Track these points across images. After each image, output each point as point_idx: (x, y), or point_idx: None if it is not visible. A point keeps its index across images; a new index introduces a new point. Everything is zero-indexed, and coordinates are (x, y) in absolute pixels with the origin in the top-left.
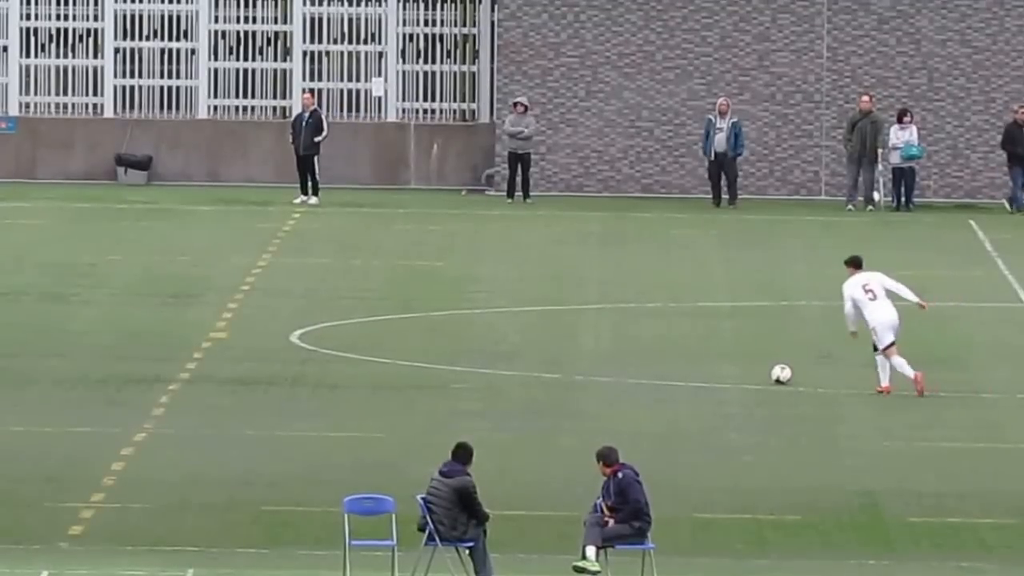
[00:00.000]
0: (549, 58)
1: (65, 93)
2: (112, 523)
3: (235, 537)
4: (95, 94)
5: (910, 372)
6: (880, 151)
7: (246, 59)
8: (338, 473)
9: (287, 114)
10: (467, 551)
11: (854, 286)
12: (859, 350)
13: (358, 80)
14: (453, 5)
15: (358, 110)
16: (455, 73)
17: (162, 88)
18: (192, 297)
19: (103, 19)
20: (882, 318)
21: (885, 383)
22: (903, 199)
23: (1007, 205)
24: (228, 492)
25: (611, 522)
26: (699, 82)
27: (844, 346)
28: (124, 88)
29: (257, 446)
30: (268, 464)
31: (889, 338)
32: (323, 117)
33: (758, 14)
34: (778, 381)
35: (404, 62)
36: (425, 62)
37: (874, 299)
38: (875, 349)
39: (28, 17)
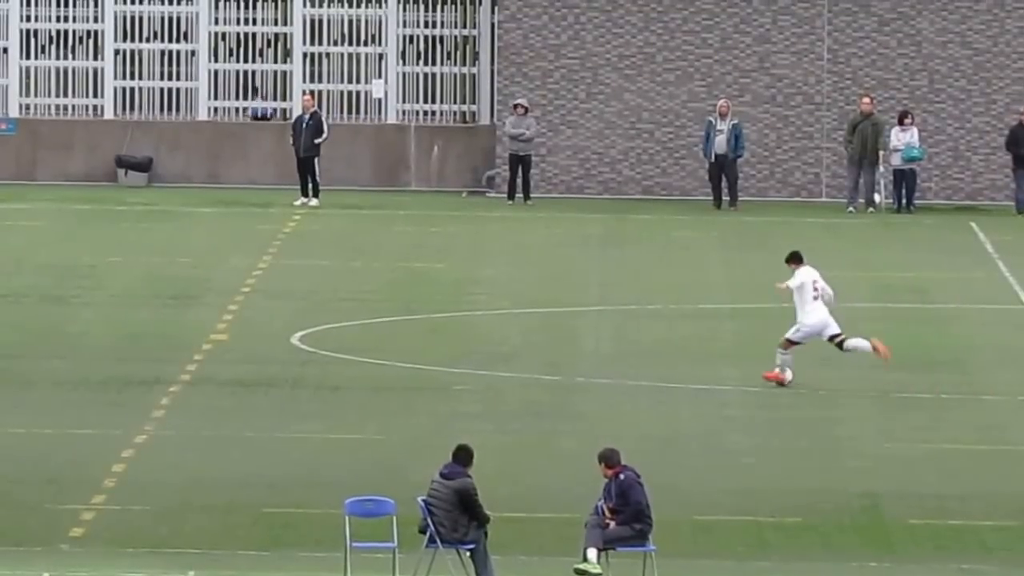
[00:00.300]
0: (549, 60)
1: (65, 95)
2: (113, 525)
3: (236, 539)
4: (95, 96)
5: (790, 375)
6: (881, 153)
7: (246, 61)
8: (339, 475)
9: (287, 116)
10: (468, 553)
11: (807, 275)
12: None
13: (358, 82)
14: (453, 7)
15: (358, 112)
16: (455, 75)
17: (162, 90)
18: (192, 299)
19: (103, 21)
20: (814, 321)
21: (777, 372)
22: (904, 201)
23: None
24: (229, 494)
25: (612, 524)
26: (699, 84)
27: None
28: (124, 90)
29: (258, 448)
30: (269, 466)
31: (803, 340)
32: (323, 119)
33: (759, 16)
34: (780, 383)
35: (404, 64)
36: (425, 64)
37: (816, 299)
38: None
39: (28, 19)
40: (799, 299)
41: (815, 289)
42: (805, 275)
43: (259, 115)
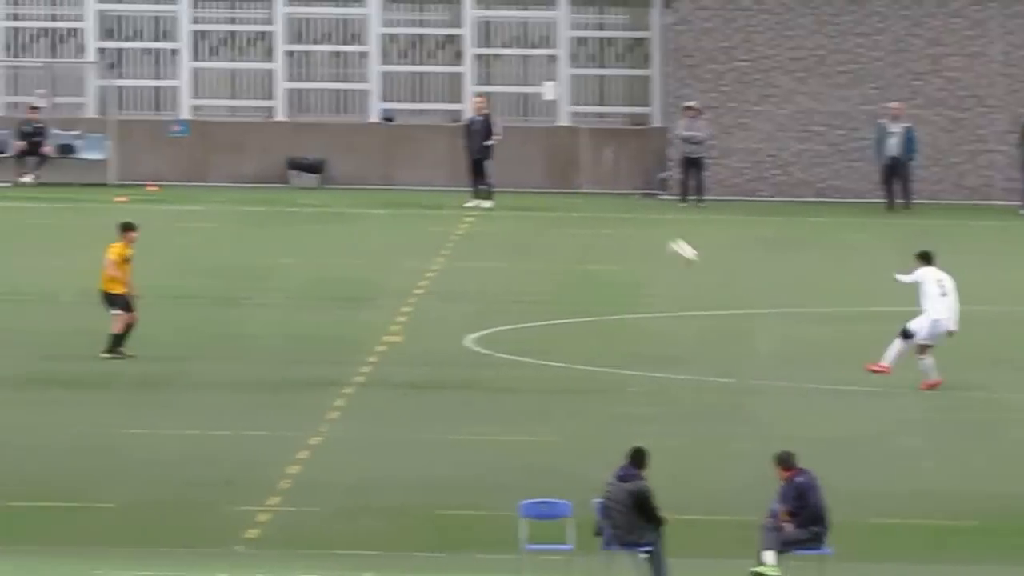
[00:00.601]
0: (721, 62)
1: (236, 96)
2: (288, 527)
3: (410, 541)
4: (266, 97)
5: (934, 377)
6: None
7: (418, 63)
8: (513, 477)
9: (459, 119)
10: (644, 556)
11: (929, 273)
12: None
13: (529, 84)
14: (625, 10)
15: (530, 114)
16: (627, 77)
17: (333, 92)
18: (365, 301)
19: (273, 22)
20: (942, 316)
21: (929, 380)
22: None
23: None
24: (403, 496)
25: (789, 527)
26: (872, 87)
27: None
28: (295, 91)
29: (432, 450)
30: (443, 468)
31: (930, 338)
32: (495, 121)
33: (931, 18)
34: (681, 256)
35: (576, 66)
36: (597, 66)
37: (944, 295)
38: (907, 336)
39: (198, 21)
40: (922, 295)
41: (940, 285)
42: (925, 274)
43: (386, 118)
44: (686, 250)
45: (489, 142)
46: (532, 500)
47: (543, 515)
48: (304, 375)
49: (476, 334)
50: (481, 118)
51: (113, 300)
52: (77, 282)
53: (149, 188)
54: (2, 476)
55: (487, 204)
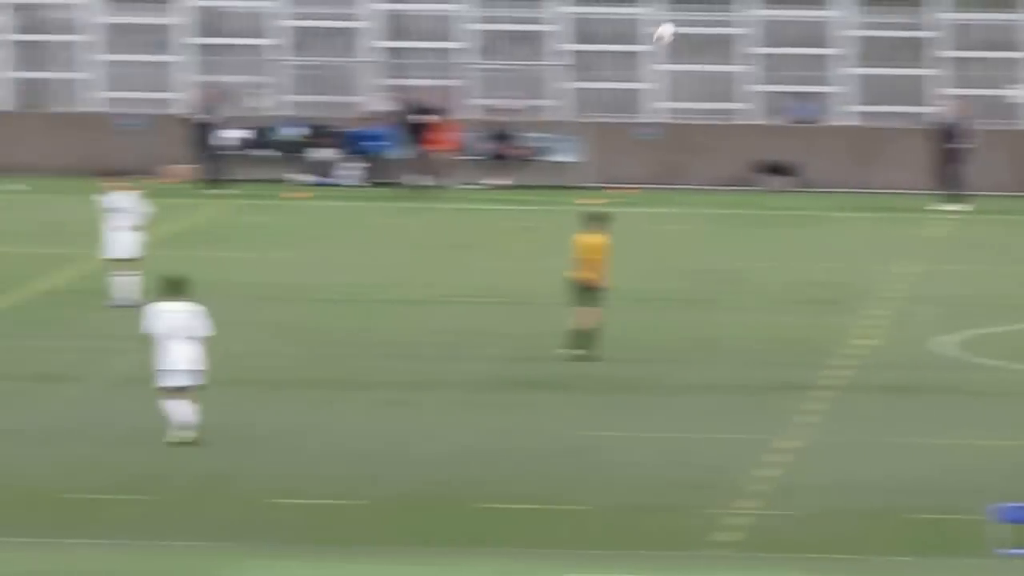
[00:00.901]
0: None
1: (706, 99)
2: (763, 530)
3: (881, 544)
4: (736, 100)
5: None
6: None
7: (891, 65)
8: (990, 481)
9: (932, 122)
10: None
11: None
12: None
13: (1001, 87)
14: None
15: (1000, 117)
16: None
17: (800, 95)
18: (842, 304)
19: (749, 26)
20: None
21: None
22: None
23: None
24: (876, 499)
25: None
26: None
27: None
28: (766, 94)
29: (907, 453)
30: (918, 471)
31: None
32: (970, 124)
33: None
34: (660, 38)
35: None
36: None
37: None
38: None
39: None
40: None
41: None
42: None
43: (800, 120)
44: (665, 34)
45: (964, 145)
46: (1010, 504)
47: (1021, 520)
48: (777, 378)
49: (953, 337)
50: (956, 121)
51: (591, 295)
52: (550, 283)
53: (618, 190)
54: (479, 477)
55: (960, 207)
